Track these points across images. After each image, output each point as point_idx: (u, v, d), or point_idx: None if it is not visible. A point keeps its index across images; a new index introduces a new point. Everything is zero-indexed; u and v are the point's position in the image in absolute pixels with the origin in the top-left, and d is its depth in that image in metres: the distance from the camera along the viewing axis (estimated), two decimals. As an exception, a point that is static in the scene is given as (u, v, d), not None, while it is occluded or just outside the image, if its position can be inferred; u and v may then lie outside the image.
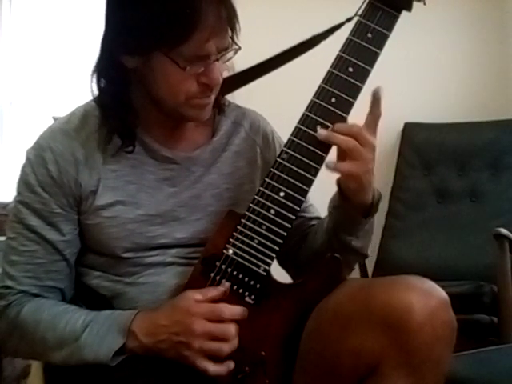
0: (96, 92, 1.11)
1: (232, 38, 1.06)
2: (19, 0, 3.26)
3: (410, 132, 2.95)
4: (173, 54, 1.01)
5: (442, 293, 0.96)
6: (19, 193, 1.12)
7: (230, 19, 1.04)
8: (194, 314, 1.00)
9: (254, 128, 1.25)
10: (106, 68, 1.09)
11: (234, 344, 1.01)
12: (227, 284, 1.05)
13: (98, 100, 1.12)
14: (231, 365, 1.01)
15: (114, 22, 1.06)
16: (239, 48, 1.07)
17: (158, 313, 1.03)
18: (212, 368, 1.00)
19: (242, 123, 1.24)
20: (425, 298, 0.94)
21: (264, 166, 1.21)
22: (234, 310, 1.02)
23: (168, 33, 0.99)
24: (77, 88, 3.02)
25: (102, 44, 1.08)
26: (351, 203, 1.09)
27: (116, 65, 1.06)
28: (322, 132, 1.06)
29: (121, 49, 1.05)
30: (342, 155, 1.05)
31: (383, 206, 2.79)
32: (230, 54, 1.07)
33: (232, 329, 1.01)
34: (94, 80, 1.10)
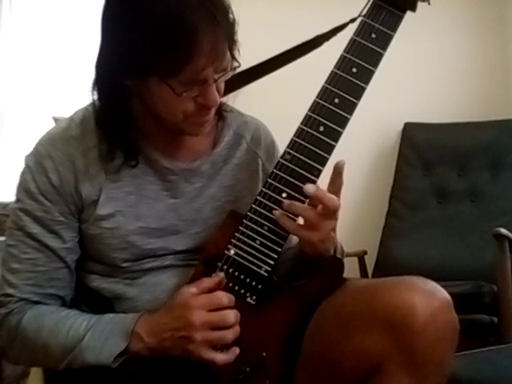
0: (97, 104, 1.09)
1: (232, 55, 1.04)
2: (19, 0, 3.27)
3: (410, 132, 2.96)
4: (169, 80, 0.99)
5: (444, 293, 0.97)
6: (19, 200, 1.10)
7: (228, 40, 1.01)
8: (191, 306, 0.99)
9: (256, 140, 1.23)
10: (103, 88, 1.07)
11: (237, 330, 1.01)
12: (221, 274, 1.05)
13: (96, 118, 1.10)
14: (237, 350, 1.01)
15: (109, 46, 1.03)
16: (239, 65, 1.06)
17: (158, 313, 1.03)
18: (218, 357, 0.99)
19: (244, 135, 1.22)
20: (427, 298, 0.94)
21: (265, 178, 1.18)
22: (230, 296, 1.02)
23: (162, 62, 0.97)
24: (77, 88, 3.02)
25: (96, 66, 1.06)
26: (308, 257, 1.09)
27: (113, 84, 1.04)
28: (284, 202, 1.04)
29: (117, 72, 1.02)
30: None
31: (383, 206, 2.80)
32: (229, 73, 1.04)
33: (231, 315, 1.00)
34: (94, 94, 1.08)
